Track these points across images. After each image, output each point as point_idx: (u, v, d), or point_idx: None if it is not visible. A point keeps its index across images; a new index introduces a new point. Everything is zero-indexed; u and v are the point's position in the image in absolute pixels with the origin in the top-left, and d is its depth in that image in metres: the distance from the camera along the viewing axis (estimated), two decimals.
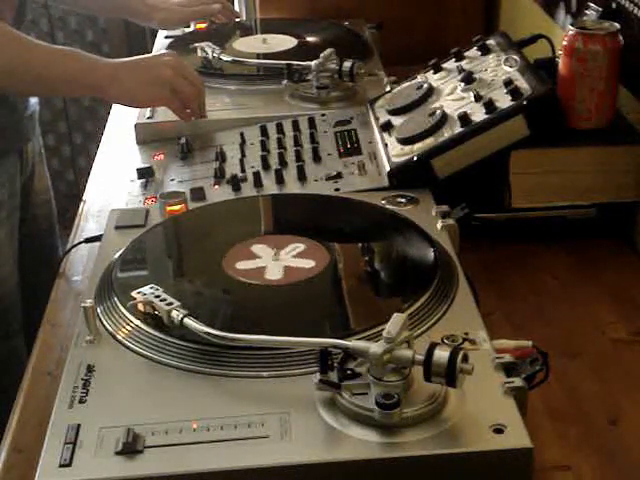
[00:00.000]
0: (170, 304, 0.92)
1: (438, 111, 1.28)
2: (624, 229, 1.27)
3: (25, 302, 1.59)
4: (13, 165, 1.57)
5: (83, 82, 1.37)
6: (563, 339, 1.08)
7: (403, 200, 1.19)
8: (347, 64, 1.49)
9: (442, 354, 0.78)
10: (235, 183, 1.28)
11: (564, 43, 1.26)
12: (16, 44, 1.34)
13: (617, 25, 1.24)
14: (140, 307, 0.94)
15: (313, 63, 1.50)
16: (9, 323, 1.55)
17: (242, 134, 1.43)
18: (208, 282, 1.04)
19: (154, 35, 1.93)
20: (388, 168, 1.25)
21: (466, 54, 1.42)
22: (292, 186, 1.28)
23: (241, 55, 1.67)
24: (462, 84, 1.34)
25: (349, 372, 0.82)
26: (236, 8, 2.01)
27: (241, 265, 1.04)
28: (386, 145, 1.31)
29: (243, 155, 1.37)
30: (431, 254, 1.03)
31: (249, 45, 1.75)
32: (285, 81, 1.52)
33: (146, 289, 0.95)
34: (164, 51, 1.52)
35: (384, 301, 1.03)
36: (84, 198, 1.47)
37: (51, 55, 1.36)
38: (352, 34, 1.81)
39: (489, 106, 1.23)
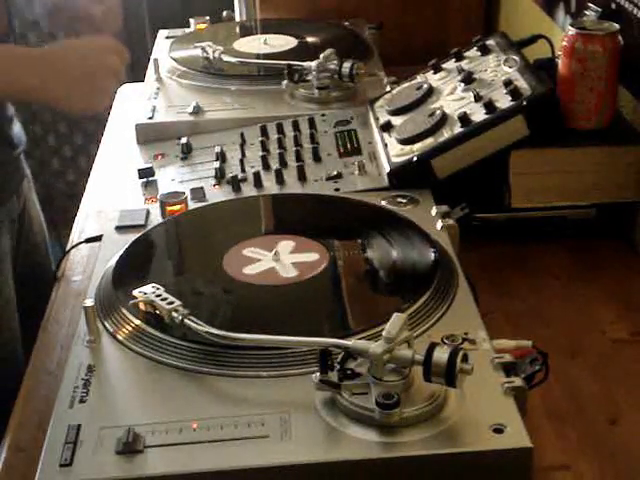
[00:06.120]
0: (171, 303, 0.92)
1: (438, 111, 1.28)
2: (624, 229, 1.27)
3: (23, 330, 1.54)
4: (13, 207, 1.51)
5: (13, 90, 1.25)
6: (563, 339, 1.08)
7: (403, 200, 1.19)
8: (347, 64, 1.49)
9: (442, 354, 0.78)
10: (235, 183, 1.28)
11: (564, 43, 1.26)
12: None
13: (617, 25, 1.24)
14: (141, 306, 0.94)
15: (313, 63, 1.50)
16: (16, 378, 1.50)
17: (242, 134, 1.43)
18: (208, 282, 1.04)
19: (154, 35, 1.92)
20: (388, 168, 1.25)
21: (466, 54, 1.43)
22: (292, 186, 1.28)
23: (241, 55, 1.67)
24: (462, 84, 1.34)
25: (349, 372, 0.82)
26: (236, 8, 2.00)
27: (241, 265, 1.04)
28: (386, 145, 1.31)
29: (243, 155, 1.37)
30: (431, 254, 1.03)
31: (249, 45, 1.75)
32: (285, 81, 1.52)
33: (147, 288, 0.95)
34: (104, 39, 1.30)
35: (384, 301, 1.03)
36: (84, 198, 1.47)
37: None
38: (352, 34, 1.81)
39: (489, 106, 1.23)
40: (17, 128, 1.56)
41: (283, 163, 1.33)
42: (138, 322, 0.94)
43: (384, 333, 0.81)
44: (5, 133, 1.50)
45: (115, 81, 1.29)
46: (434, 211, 1.15)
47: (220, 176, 1.31)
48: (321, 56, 1.51)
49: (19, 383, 1.07)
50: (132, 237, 1.12)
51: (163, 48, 1.78)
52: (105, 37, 1.33)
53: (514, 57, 1.32)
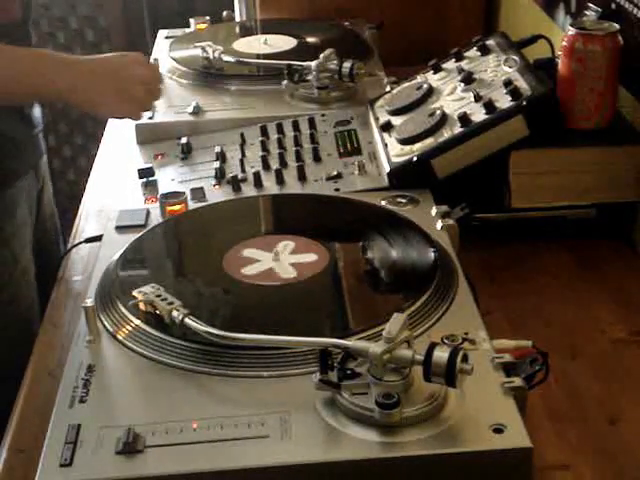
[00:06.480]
0: (171, 303, 0.92)
1: (438, 111, 1.28)
2: (624, 229, 1.27)
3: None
4: (31, 182, 1.57)
5: (44, 92, 1.34)
6: (563, 339, 1.08)
7: (403, 200, 1.19)
8: (347, 64, 1.49)
9: (442, 354, 0.78)
10: (235, 183, 1.28)
11: (564, 43, 1.26)
12: None
13: (616, 25, 1.24)
14: (141, 306, 0.94)
15: (313, 63, 1.50)
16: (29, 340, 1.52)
17: (242, 134, 1.43)
18: (208, 282, 1.04)
19: (154, 35, 1.93)
20: (388, 168, 1.25)
21: (466, 54, 1.43)
22: (292, 186, 1.28)
23: (241, 55, 1.67)
24: (462, 84, 1.34)
25: (349, 372, 0.82)
26: (236, 8, 2.01)
27: (241, 265, 1.04)
28: (386, 145, 1.31)
29: (243, 155, 1.37)
30: (431, 254, 1.03)
31: (249, 45, 1.75)
32: (285, 81, 1.52)
33: (147, 288, 0.95)
34: (134, 54, 1.40)
35: (384, 301, 1.03)
36: (84, 198, 1.47)
37: (11, 63, 1.31)
38: (352, 34, 1.81)
39: (489, 106, 1.23)
40: (37, 112, 1.61)
41: (283, 163, 1.33)
42: (138, 322, 0.94)
43: (384, 333, 0.81)
44: (24, 113, 1.54)
45: (144, 90, 1.35)
46: (434, 211, 1.15)
47: (220, 176, 1.31)
48: (321, 56, 1.51)
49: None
50: (132, 237, 1.12)
51: (163, 48, 1.78)
52: (136, 53, 1.42)
53: (514, 57, 1.32)
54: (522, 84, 1.25)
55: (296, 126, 1.42)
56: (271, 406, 0.83)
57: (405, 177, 1.23)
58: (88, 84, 1.32)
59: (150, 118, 1.49)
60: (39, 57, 1.36)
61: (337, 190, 1.25)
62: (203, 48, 1.64)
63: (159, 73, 1.44)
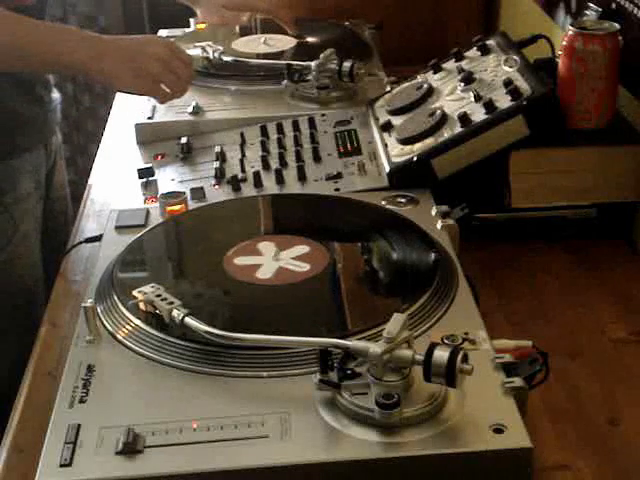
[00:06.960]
0: (171, 303, 0.93)
1: (438, 111, 1.28)
2: (624, 229, 1.27)
3: None
4: (39, 157, 1.59)
5: (65, 61, 1.36)
6: (563, 339, 1.08)
7: (403, 200, 1.19)
8: (347, 64, 1.49)
9: (442, 354, 0.78)
10: (235, 183, 1.28)
11: (564, 43, 1.26)
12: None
13: (617, 25, 1.24)
14: (141, 306, 0.94)
15: (313, 63, 1.50)
16: (36, 315, 1.55)
17: (242, 134, 1.43)
18: (208, 282, 1.04)
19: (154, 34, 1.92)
20: (388, 168, 1.25)
21: (466, 54, 1.42)
22: (292, 186, 1.28)
23: (241, 55, 1.67)
24: (462, 84, 1.34)
25: (349, 372, 0.82)
26: None
27: (241, 265, 1.04)
28: (386, 145, 1.31)
29: (243, 155, 1.37)
30: (431, 254, 1.03)
31: (249, 45, 1.75)
32: (285, 81, 1.52)
33: (147, 288, 0.95)
34: (160, 36, 1.47)
35: (384, 301, 1.04)
36: (84, 198, 1.47)
37: (35, 31, 1.35)
38: (352, 34, 1.81)
39: (489, 106, 1.23)
40: (55, 94, 1.64)
41: (283, 163, 1.33)
42: (138, 322, 0.94)
43: (384, 333, 0.81)
44: (37, 94, 1.57)
45: (160, 66, 1.37)
46: (434, 211, 1.15)
47: (220, 176, 1.31)
48: (321, 56, 1.51)
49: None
50: (132, 237, 1.12)
51: None
52: (155, 35, 1.48)
53: (514, 57, 1.32)
54: (522, 84, 1.25)
55: (296, 126, 1.42)
56: (271, 406, 0.83)
57: (405, 177, 1.23)
58: (106, 57, 1.35)
59: (150, 118, 1.49)
60: (62, 28, 1.43)
61: (337, 190, 1.25)
62: (203, 48, 1.64)
63: (183, 53, 1.43)
